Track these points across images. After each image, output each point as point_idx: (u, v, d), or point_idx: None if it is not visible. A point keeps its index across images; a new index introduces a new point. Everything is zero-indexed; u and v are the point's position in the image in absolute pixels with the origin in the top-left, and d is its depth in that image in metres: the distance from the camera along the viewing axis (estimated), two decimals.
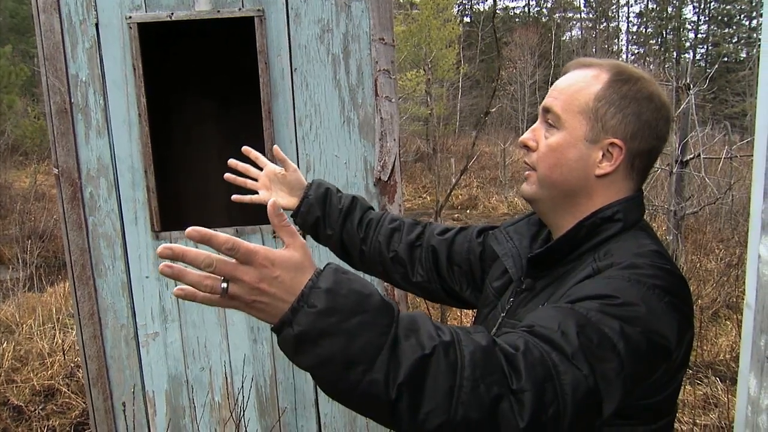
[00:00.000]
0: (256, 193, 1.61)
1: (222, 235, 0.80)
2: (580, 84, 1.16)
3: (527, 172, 1.22)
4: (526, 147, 1.21)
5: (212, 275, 0.82)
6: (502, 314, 1.25)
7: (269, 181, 1.60)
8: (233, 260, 0.82)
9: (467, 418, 0.84)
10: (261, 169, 1.61)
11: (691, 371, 4.64)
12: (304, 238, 0.97)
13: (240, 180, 1.61)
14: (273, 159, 1.63)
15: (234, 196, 1.60)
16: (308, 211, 1.58)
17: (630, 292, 0.99)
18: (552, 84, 1.24)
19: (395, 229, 1.57)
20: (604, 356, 0.92)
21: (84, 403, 4.31)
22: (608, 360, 0.92)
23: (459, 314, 5.59)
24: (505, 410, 0.85)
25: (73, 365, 4.98)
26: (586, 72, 1.17)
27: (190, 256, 0.79)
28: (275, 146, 1.62)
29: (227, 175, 1.59)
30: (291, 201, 1.60)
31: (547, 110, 1.18)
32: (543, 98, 1.22)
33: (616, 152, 1.14)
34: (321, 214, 1.58)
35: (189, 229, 0.79)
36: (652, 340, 0.97)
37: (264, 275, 0.83)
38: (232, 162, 1.59)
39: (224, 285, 0.82)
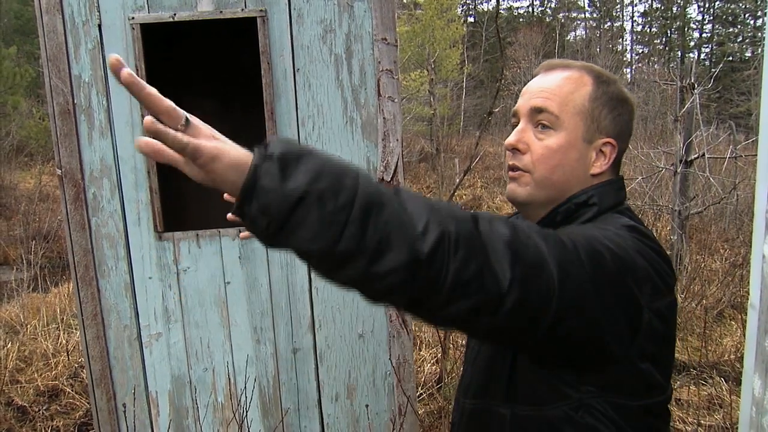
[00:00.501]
0: None
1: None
2: (570, 85, 1.17)
3: (516, 173, 1.20)
4: (515, 149, 1.20)
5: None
6: None
7: None
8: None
9: (460, 232, 0.84)
10: None
11: (695, 371, 4.63)
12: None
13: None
14: None
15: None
16: None
17: (597, 235, 1.02)
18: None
19: None
20: (572, 259, 0.93)
21: (88, 403, 4.31)
22: (576, 262, 0.94)
23: None
24: (486, 226, 0.88)
25: (77, 366, 4.99)
26: (569, 73, 1.19)
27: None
28: None
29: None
30: None
31: (539, 110, 1.17)
32: None
33: (609, 150, 1.18)
34: None
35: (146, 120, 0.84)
36: (621, 270, 0.98)
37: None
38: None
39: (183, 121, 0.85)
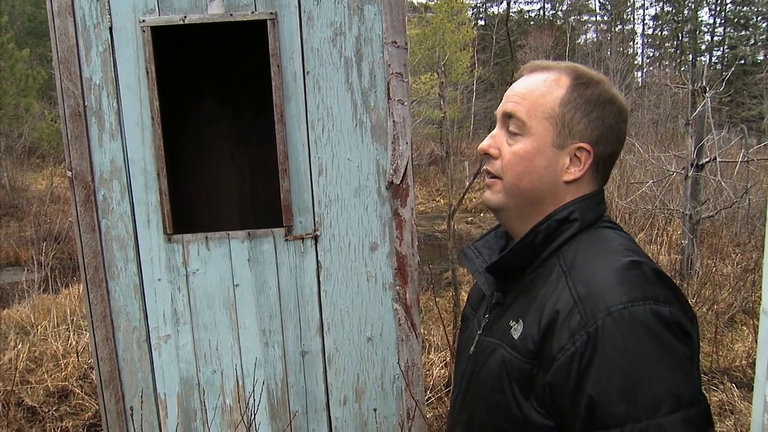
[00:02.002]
0: None
1: None
2: (542, 89, 1.13)
3: (490, 180, 1.18)
4: (487, 155, 1.18)
5: None
6: (478, 332, 1.22)
7: None
8: None
9: None
10: None
11: (706, 377, 4.59)
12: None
13: None
14: (285, 159, 1.62)
15: None
16: None
17: (638, 369, 0.95)
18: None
19: None
20: None
21: (97, 404, 4.33)
22: None
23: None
24: None
25: (86, 367, 5.01)
26: (546, 76, 1.15)
27: None
28: None
29: None
30: None
31: (509, 116, 1.14)
32: None
33: (584, 156, 1.12)
34: None
35: None
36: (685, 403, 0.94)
37: None
38: None
39: None
